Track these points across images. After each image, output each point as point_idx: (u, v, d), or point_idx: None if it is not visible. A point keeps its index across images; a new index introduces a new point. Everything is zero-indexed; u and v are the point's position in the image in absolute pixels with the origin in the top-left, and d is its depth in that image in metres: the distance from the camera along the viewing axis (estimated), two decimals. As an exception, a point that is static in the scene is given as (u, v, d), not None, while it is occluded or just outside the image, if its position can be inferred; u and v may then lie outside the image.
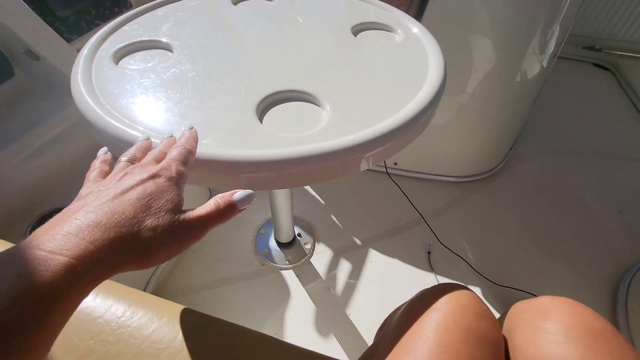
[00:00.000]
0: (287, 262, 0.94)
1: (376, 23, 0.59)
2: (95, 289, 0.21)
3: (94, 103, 0.40)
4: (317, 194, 1.13)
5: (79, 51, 0.81)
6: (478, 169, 1.22)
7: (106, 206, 0.22)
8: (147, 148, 0.32)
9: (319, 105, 0.42)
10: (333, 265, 0.95)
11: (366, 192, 1.15)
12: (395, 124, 0.39)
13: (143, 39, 0.52)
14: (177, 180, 0.26)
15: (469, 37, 0.89)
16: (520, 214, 1.13)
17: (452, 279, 0.95)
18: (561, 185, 1.22)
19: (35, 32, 0.75)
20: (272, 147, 0.36)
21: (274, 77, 0.45)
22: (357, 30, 0.57)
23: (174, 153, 0.29)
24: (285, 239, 0.96)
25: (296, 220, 1.04)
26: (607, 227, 1.09)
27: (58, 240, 0.19)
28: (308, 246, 0.99)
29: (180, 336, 0.38)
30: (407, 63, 0.50)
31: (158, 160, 0.29)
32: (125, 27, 0.55)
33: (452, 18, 0.86)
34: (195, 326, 0.40)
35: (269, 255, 0.96)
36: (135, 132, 0.37)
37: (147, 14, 0.59)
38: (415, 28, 0.57)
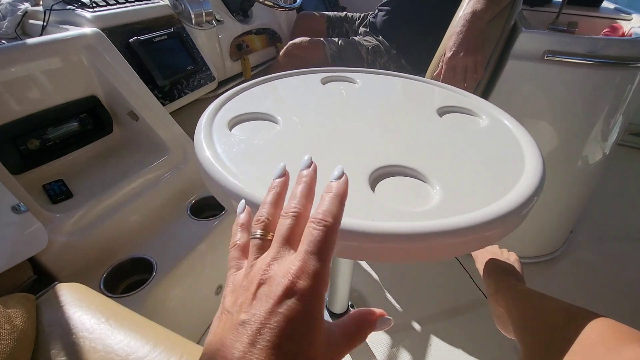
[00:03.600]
0: (340, 336, 0.89)
1: (460, 107, 0.62)
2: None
3: (216, 162, 0.43)
4: (372, 265, 1.10)
5: (170, 113, 0.90)
6: (538, 250, 1.16)
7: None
8: (281, 195, 0.26)
9: (426, 182, 0.44)
10: (389, 346, 0.88)
11: (424, 266, 1.11)
12: (508, 207, 0.39)
13: (253, 110, 0.57)
14: (309, 290, 0.19)
15: (533, 117, 0.92)
16: (584, 301, 1.04)
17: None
18: (625, 273, 1.13)
19: (140, 97, 0.86)
20: (389, 220, 0.36)
21: (377, 152, 0.48)
22: (442, 112, 0.61)
23: (310, 237, 0.21)
24: (339, 309, 0.91)
25: (350, 291, 1.00)
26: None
27: None
28: (361, 320, 0.93)
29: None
30: (499, 145, 0.52)
31: (295, 234, 0.22)
32: (232, 102, 0.61)
33: (518, 99, 0.90)
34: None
35: (320, 326, 0.91)
36: (251, 191, 0.39)
37: (249, 91, 0.66)
38: (498, 114, 0.60)
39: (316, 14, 1.53)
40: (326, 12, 1.55)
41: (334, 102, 0.64)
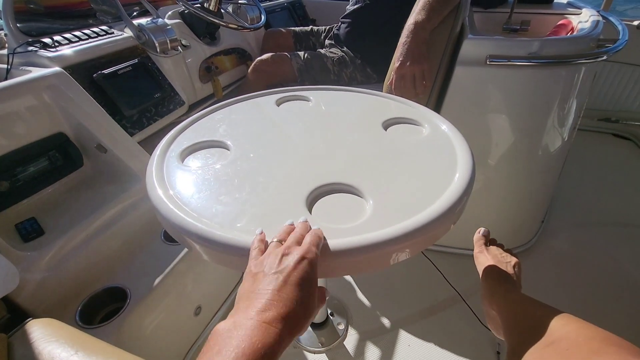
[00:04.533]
0: (320, 344, 0.91)
1: (404, 118, 0.66)
2: None
3: (167, 199, 0.46)
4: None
5: (141, 142, 0.93)
6: (511, 242, 1.20)
7: (283, 294, 0.31)
8: (290, 231, 0.39)
9: (361, 197, 0.47)
10: (368, 348, 0.91)
11: (399, 268, 1.14)
12: (435, 214, 0.42)
13: (205, 139, 0.60)
14: (313, 261, 0.35)
15: (487, 116, 0.96)
16: (561, 288, 1.07)
17: (499, 366, 0.88)
18: (599, 259, 1.17)
19: (106, 130, 0.88)
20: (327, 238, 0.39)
21: (318, 171, 0.51)
22: (387, 124, 0.65)
23: (309, 239, 0.36)
24: (318, 318, 0.94)
25: (329, 299, 1.03)
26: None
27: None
28: (341, 327, 0.96)
29: None
30: (436, 154, 0.55)
31: (298, 242, 0.37)
32: (188, 131, 0.64)
33: (470, 102, 0.94)
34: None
35: (300, 337, 0.93)
36: (200, 225, 0.42)
37: (205, 118, 0.69)
38: (439, 122, 0.64)
39: (283, 30, 1.57)
40: (293, 28, 1.59)
41: (285, 122, 0.67)
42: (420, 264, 1.10)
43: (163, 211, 0.45)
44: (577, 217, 1.36)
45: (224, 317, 0.97)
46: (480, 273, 0.60)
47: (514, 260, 0.59)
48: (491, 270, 0.55)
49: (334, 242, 0.38)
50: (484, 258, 0.61)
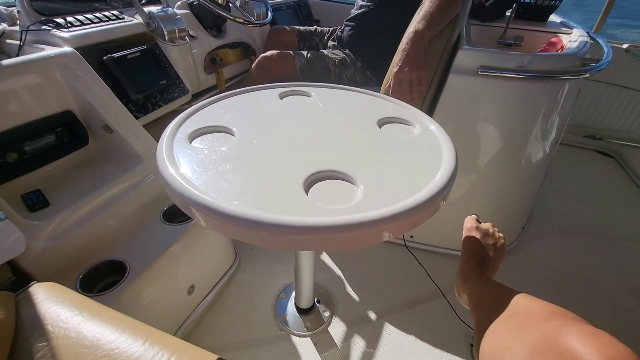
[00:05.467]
0: (306, 328, 0.96)
1: (397, 118, 0.71)
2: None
3: (177, 175, 0.50)
4: (337, 263, 1.18)
5: (144, 126, 0.97)
6: (492, 245, 1.26)
7: None
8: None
9: (353, 184, 0.52)
10: (350, 335, 0.96)
11: (384, 263, 1.19)
12: (417, 201, 0.47)
13: (211, 124, 0.65)
14: None
15: (476, 124, 1.02)
16: (537, 290, 1.14)
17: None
18: (575, 266, 1.24)
19: (113, 111, 0.92)
20: (316, 215, 0.44)
21: (316, 159, 0.56)
22: (382, 123, 0.70)
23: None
24: (305, 304, 0.98)
25: (316, 288, 1.07)
26: (628, 308, 1.08)
27: None
28: (326, 314, 1.00)
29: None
30: (424, 151, 0.61)
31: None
32: (195, 116, 0.69)
33: (461, 109, 1.00)
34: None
35: (287, 321, 0.98)
36: (206, 197, 0.46)
37: (213, 105, 0.73)
38: (430, 123, 0.69)
39: (287, 28, 1.62)
40: (297, 27, 1.64)
41: (287, 114, 0.72)
42: (405, 260, 1.15)
43: (173, 185, 0.49)
44: (557, 225, 1.43)
45: (215, 299, 1.01)
46: (462, 249, 0.64)
47: (501, 240, 0.63)
48: (473, 252, 0.60)
49: (327, 219, 0.43)
50: (471, 230, 0.64)
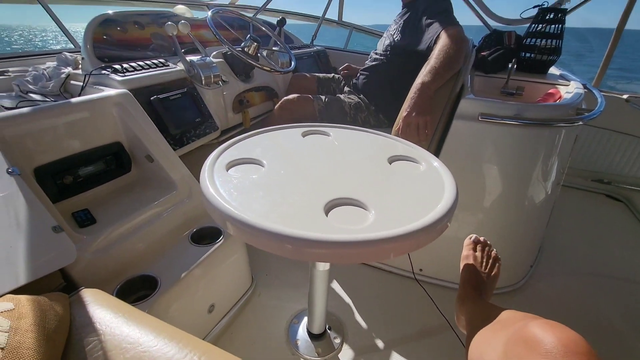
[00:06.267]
0: (317, 354, 0.99)
1: (406, 156, 0.81)
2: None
3: (218, 196, 0.60)
4: (348, 292, 1.23)
5: (180, 157, 1.09)
6: (500, 282, 1.28)
7: None
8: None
9: (366, 210, 0.60)
10: (360, 363, 0.99)
11: (395, 294, 1.23)
12: (420, 226, 0.55)
13: (244, 156, 0.76)
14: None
15: (480, 164, 1.10)
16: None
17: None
18: (584, 306, 1.25)
19: (156, 144, 1.05)
20: (335, 233, 0.53)
21: (334, 188, 0.65)
22: (392, 160, 0.80)
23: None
24: (317, 330, 1.03)
25: (328, 314, 1.12)
26: (639, 349, 1.07)
27: None
28: (337, 341, 1.04)
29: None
30: (429, 185, 0.69)
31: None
32: (230, 149, 0.80)
33: (465, 151, 1.09)
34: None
35: (299, 345, 1.02)
36: (243, 215, 0.55)
37: (245, 140, 0.85)
38: (434, 161, 0.79)
39: (308, 75, 1.79)
40: (317, 74, 1.81)
41: (309, 150, 0.82)
42: (415, 292, 1.19)
43: (214, 204, 0.59)
44: (565, 266, 1.45)
45: (232, 320, 1.06)
46: (461, 276, 0.71)
47: (495, 268, 0.70)
48: (468, 279, 0.66)
49: (344, 237, 0.51)
50: (468, 258, 0.72)
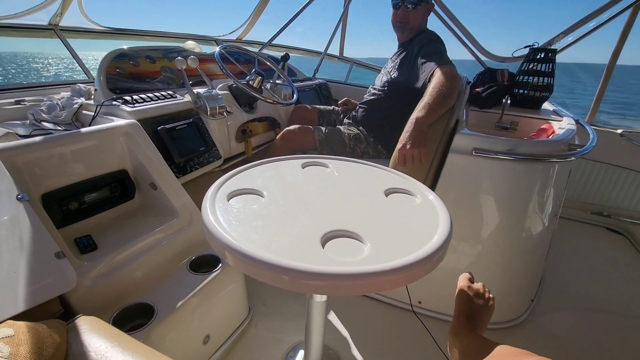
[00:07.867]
0: (312, 389, 0.97)
1: (402, 189, 0.83)
2: None
3: (218, 226, 0.62)
4: (346, 325, 1.21)
5: (183, 184, 1.11)
6: (501, 317, 1.27)
7: None
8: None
9: (362, 242, 0.62)
10: (357, 400, 0.96)
11: (393, 328, 1.21)
12: (415, 259, 0.57)
13: (245, 187, 0.78)
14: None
15: (477, 196, 1.13)
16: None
17: None
18: (586, 342, 1.22)
19: (160, 172, 1.08)
20: (330, 266, 0.54)
21: (331, 220, 0.67)
22: (388, 192, 0.82)
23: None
24: (313, 364, 1.01)
25: (324, 349, 1.10)
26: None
27: None
28: (333, 375, 1.02)
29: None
30: (424, 218, 0.71)
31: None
32: (232, 180, 0.83)
33: (461, 183, 1.12)
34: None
35: (295, 380, 0.99)
36: (242, 245, 0.57)
37: (247, 171, 0.88)
38: (429, 194, 0.81)
39: (309, 107, 1.86)
40: (318, 106, 1.88)
41: (308, 181, 0.85)
42: (413, 326, 1.18)
43: (214, 234, 0.61)
44: (567, 301, 1.43)
45: (227, 352, 1.05)
46: (455, 306, 0.71)
47: (490, 301, 0.70)
48: (462, 309, 0.66)
49: (339, 269, 0.53)
50: (463, 289, 0.72)
